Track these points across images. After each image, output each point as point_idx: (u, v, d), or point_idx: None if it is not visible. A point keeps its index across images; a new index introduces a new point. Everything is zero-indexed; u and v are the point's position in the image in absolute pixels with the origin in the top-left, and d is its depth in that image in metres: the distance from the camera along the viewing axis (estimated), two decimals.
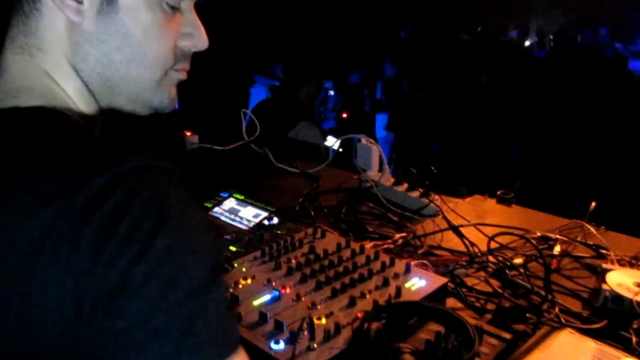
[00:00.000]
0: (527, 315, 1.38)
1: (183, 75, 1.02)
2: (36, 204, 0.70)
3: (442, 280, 1.41)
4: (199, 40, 1.01)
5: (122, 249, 0.68)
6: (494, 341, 1.23)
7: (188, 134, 2.68)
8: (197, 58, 1.04)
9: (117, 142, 0.80)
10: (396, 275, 1.40)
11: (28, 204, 0.70)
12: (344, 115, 6.44)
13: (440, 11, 9.88)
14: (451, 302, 1.46)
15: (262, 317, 1.23)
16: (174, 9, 0.94)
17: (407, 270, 1.42)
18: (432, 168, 2.02)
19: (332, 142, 2.67)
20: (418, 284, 1.38)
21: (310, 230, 1.62)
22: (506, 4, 11.32)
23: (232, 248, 1.58)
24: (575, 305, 1.46)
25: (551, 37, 11.00)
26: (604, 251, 1.68)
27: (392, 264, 1.44)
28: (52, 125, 0.84)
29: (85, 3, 0.87)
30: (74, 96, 0.93)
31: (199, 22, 1.00)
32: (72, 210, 0.69)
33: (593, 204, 1.83)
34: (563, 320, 1.38)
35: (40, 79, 0.90)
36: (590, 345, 1.20)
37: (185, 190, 0.79)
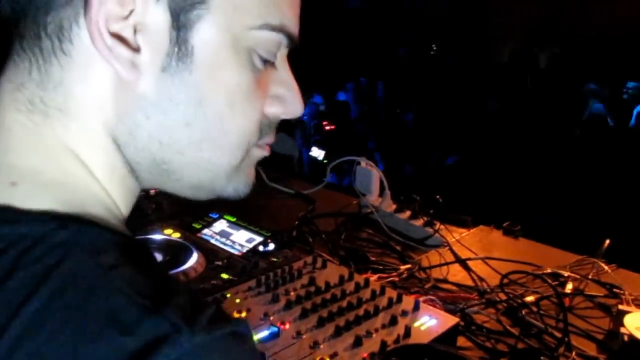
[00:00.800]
0: (542, 358, 1.29)
1: (266, 152, 0.75)
2: None
3: (454, 320, 1.31)
4: (293, 105, 0.73)
5: None
6: None
7: None
8: None
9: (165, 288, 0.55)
10: (404, 313, 1.30)
11: None
12: (327, 127, 6.30)
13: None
14: (461, 341, 1.37)
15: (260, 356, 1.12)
16: (267, 63, 0.68)
17: (416, 307, 1.32)
18: (437, 197, 1.92)
19: (317, 153, 2.58)
20: (428, 323, 1.28)
21: (309, 259, 1.51)
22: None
23: (224, 276, 1.46)
24: (590, 348, 1.38)
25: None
26: (617, 290, 1.60)
27: (399, 300, 1.34)
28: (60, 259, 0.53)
29: (144, 53, 0.60)
30: (106, 179, 0.65)
31: (293, 81, 0.73)
32: None
33: (607, 241, 1.74)
34: None
35: (54, 155, 0.61)
36: None
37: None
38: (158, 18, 0.59)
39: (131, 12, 0.58)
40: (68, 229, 0.55)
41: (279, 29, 0.66)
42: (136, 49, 0.59)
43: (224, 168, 0.69)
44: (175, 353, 0.48)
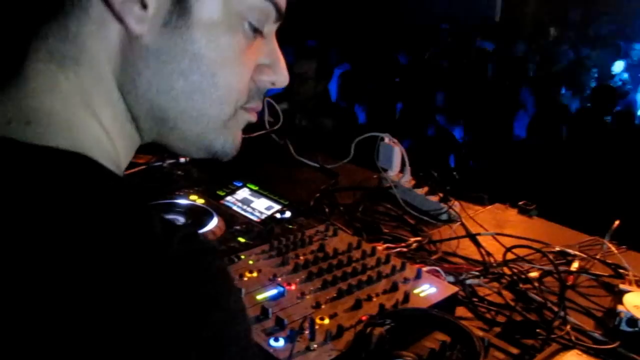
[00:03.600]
0: (538, 330, 1.35)
1: (253, 117, 0.83)
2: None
3: (453, 289, 1.38)
4: (280, 74, 0.82)
5: None
6: (500, 355, 1.21)
7: None
8: None
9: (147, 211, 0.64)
10: (406, 280, 1.37)
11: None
12: None
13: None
14: (461, 311, 1.43)
15: (264, 312, 1.21)
16: (256, 32, 0.76)
17: (418, 275, 1.39)
18: (454, 173, 1.98)
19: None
20: (428, 291, 1.35)
21: (322, 228, 1.58)
22: None
23: (241, 239, 1.56)
24: (588, 324, 1.43)
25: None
26: (622, 271, 1.63)
27: (402, 268, 1.41)
28: (58, 187, 0.62)
29: (150, 9, 0.68)
30: (110, 125, 0.73)
31: (280, 53, 0.82)
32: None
33: (616, 222, 1.77)
34: (574, 339, 1.34)
35: (66, 100, 0.69)
36: None
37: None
38: None
39: None
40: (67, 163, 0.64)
41: (268, 0, 0.75)
42: (144, 6, 0.68)
43: (212, 121, 0.76)
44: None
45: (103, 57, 0.70)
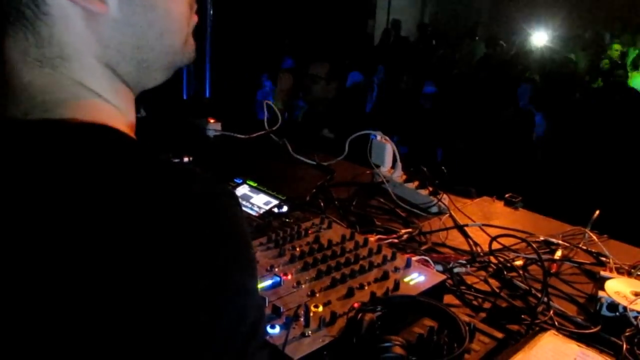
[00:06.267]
0: (522, 316, 1.42)
1: (195, 19, 0.94)
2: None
3: (441, 276, 1.45)
4: None
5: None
6: (485, 339, 1.26)
7: (211, 121, 2.74)
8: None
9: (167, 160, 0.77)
10: (396, 269, 1.44)
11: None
12: None
13: None
14: (449, 299, 1.50)
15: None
16: None
17: (408, 265, 1.46)
18: (443, 168, 2.06)
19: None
20: (417, 279, 1.42)
21: (317, 221, 1.66)
22: None
23: None
24: (570, 310, 1.50)
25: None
26: (603, 259, 1.71)
27: (393, 257, 1.48)
28: (92, 151, 0.73)
29: None
30: (112, 97, 0.83)
31: None
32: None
33: (597, 212, 1.85)
34: (557, 324, 1.41)
35: (71, 90, 0.79)
36: (573, 347, 1.24)
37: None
38: None
39: None
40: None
41: None
42: None
43: (179, 45, 0.89)
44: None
45: (81, 45, 0.79)
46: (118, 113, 0.84)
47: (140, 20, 0.81)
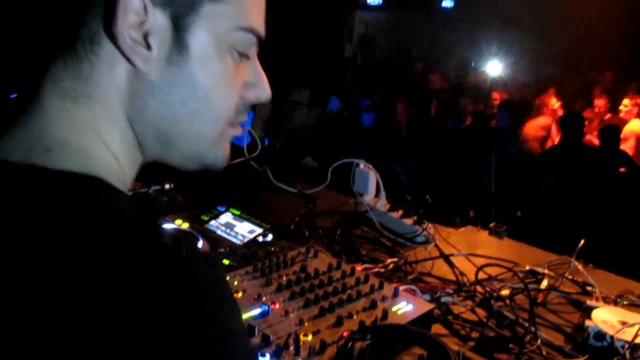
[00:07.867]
0: (510, 346, 1.41)
1: (239, 130, 0.92)
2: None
3: (429, 306, 1.44)
4: (263, 90, 0.92)
5: None
6: None
7: None
8: None
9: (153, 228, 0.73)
10: (384, 299, 1.43)
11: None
12: None
13: None
14: (437, 328, 1.49)
15: (250, 330, 1.26)
16: (243, 56, 0.87)
17: (395, 294, 1.45)
18: (427, 197, 2.06)
19: None
20: (405, 308, 1.41)
21: (303, 250, 1.65)
22: None
23: (226, 261, 1.61)
24: (558, 339, 1.49)
25: None
26: (589, 288, 1.72)
27: (380, 287, 1.47)
28: (75, 209, 0.69)
29: (154, 50, 0.77)
30: (119, 150, 0.82)
31: (262, 71, 0.92)
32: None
33: (582, 241, 1.86)
34: (544, 353, 1.41)
35: (80, 131, 0.78)
36: None
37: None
38: (163, 24, 0.78)
39: (143, 21, 0.76)
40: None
41: (250, 31, 0.86)
42: (149, 47, 0.77)
43: (208, 139, 0.86)
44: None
45: (113, 93, 0.79)
46: (117, 168, 0.82)
47: (175, 92, 0.81)
